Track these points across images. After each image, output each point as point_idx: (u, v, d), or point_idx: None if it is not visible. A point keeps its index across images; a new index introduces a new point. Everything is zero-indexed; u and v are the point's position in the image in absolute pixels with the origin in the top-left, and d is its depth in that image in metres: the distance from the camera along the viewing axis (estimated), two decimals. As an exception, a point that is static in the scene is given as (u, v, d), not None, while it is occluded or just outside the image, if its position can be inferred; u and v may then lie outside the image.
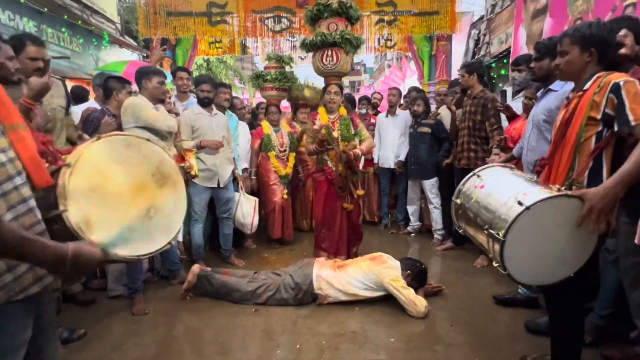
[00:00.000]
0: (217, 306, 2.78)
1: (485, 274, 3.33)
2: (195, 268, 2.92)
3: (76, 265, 0.89)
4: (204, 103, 3.38)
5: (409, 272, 2.75)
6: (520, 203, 1.48)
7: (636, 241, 1.41)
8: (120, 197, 1.22)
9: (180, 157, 3.07)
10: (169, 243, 1.33)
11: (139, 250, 1.20)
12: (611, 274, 2.18)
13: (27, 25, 6.30)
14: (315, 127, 3.40)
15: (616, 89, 1.51)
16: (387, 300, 2.70)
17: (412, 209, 4.47)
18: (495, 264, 1.59)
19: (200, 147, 3.25)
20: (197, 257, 3.45)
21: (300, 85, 4.52)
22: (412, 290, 2.64)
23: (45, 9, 6.57)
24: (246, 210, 3.73)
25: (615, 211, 1.60)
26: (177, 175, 1.44)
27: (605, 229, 1.52)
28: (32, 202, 0.97)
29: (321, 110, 3.47)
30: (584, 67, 1.68)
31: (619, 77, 1.54)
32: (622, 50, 1.80)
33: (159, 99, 2.89)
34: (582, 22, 1.76)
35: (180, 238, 3.52)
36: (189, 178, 3.07)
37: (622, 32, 1.83)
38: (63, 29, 7.14)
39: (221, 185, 3.44)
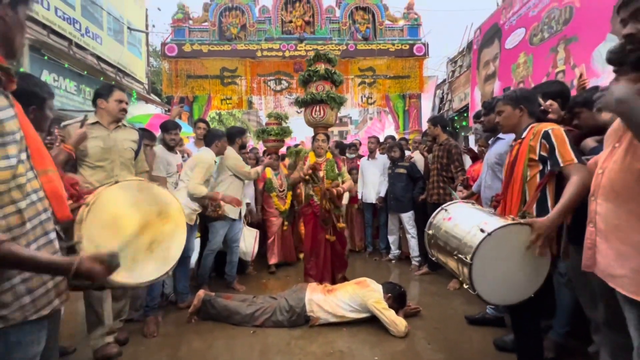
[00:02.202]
0: (218, 328, 2.64)
1: (458, 296, 3.24)
2: (201, 293, 2.80)
3: (79, 276, 0.88)
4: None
5: (390, 294, 2.67)
6: (482, 230, 1.49)
7: (582, 268, 1.40)
8: (127, 232, 1.22)
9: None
10: (166, 273, 1.29)
11: (138, 278, 1.17)
12: (565, 295, 2.15)
13: (69, 85, 6.48)
14: (305, 166, 3.45)
15: (546, 135, 1.60)
16: (372, 322, 2.59)
17: (392, 238, 4.43)
18: (465, 286, 1.56)
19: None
20: (202, 282, 3.32)
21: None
22: (393, 312, 2.55)
23: (85, 72, 6.79)
24: (248, 240, 3.71)
25: (564, 237, 1.62)
26: (181, 215, 1.41)
27: (551, 252, 1.53)
28: (53, 235, 0.96)
29: (311, 154, 3.54)
30: (518, 120, 1.79)
31: (547, 126, 1.64)
32: (550, 116, 1.91)
33: (222, 154, 3.27)
34: (510, 90, 1.92)
35: (192, 266, 3.45)
36: (216, 215, 3.14)
37: (548, 102, 1.95)
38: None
39: (240, 218, 3.51)
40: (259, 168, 3.61)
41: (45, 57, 5.76)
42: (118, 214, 1.22)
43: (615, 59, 1.34)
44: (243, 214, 3.67)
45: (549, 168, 1.61)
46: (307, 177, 3.34)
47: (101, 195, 1.20)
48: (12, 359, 0.86)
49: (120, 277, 1.06)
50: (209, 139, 3.17)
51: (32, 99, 1.31)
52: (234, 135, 3.51)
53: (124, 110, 2.31)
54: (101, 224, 1.14)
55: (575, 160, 1.52)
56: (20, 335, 0.87)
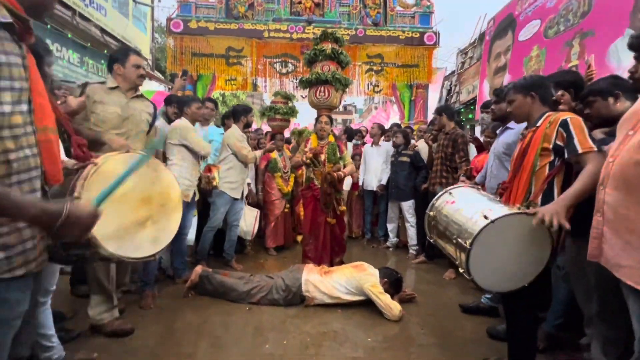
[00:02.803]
0: (214, 304, 2.67)
1: (453, 285, 3.26)
2: (198, 268, 2.82)
3: (67, 223, 0.82)
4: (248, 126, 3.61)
5: (386, 279, 2.68)
6: (485, 217, 1.47)
7: (588, 258, 1.38)
8: (127, 202, 1.19)
9: (208, 169, 3.12)
10: (153, 255, 1.27)
11: (126, 251, 1.14)
12: (562, 288, 2.15)
13: (72, 57, 6.37)
14: (306, 149, 3.42)
15: (564, 124, 1.56)
16: (367, 305, 2.61)
17: (391, 226, 4.43)
18: (461, 270, 1.56)
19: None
20: (201, 259, 3.35)
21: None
22: (388, 296, 2.57)
23: (89, 44, 6.68)
24: (249, 219, 3.72)
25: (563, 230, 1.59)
26: (179, 200, 1.40)
27: (558, 235, 1.49)
28: (39, 194, 0.93)
29: (313, 136, 3.49)
30: (530, 108, 1.74)
31: (565, 115, 1.59)
32: (560, 107, 1.86)
33: (197, 121, 3.06)
34: (521, 77, 1.85)
35: (191, 242, 3.46)
36: (210, 187, 3.15)
37: (560, 92, 1.90)
38: (102, 61, 7.23)
39: (242, 198, 3.51)
40: (258, 152, 3.55)
41: (49, 26, 5.64)
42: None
43: (638, 43, 1.29)
44: (245, 194, 3.66)
45: (566, 156, 1.56)
46: (308, 161, 3.31)
47: (110, 159, 1.19)
48: None
49: (109, 245, 1.04)
50: (179, 108, 3.04)
51: None
52: (239, 114, 3.47)
53: (142, 77, 2.22)
54: (104, 186, 1.11)
55: (595, 148, 1.48)
56: (6, 292, 0.85)
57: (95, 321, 2.12)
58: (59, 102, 1.94)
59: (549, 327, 2.17)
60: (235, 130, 3.40)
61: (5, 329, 0.88)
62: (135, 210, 1.22)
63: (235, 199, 3.42)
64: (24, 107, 0.87)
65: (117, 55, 2.21)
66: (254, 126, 5.23)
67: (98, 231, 0.98)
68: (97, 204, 0.92)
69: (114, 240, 1.06)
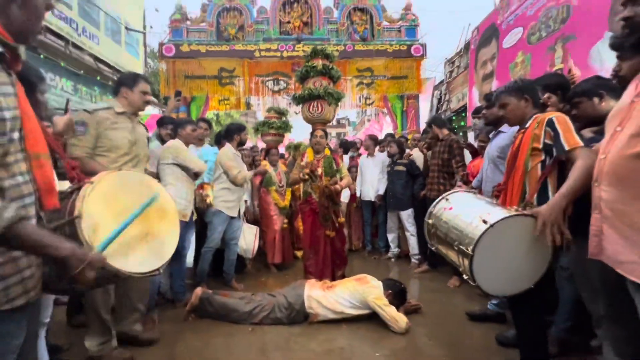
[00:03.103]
0: (216, 326, 2.59)
1: (458, 293, 3.21)
2: (198, 290, 2.76)
3: (63, 265, 0.86)
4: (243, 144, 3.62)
5: (390, 291, 2.64)
6: (485, 221, 1.46)
7: (589, 256, 1.37)
8: (126, 218, 1.19)
9: (200, 187, 3.11)
10: (158, 270, 1.26)
11: (132, 267, 1.13)
12: (567, 290, 2.12)
13: (66, 85, 6.42)
14: (302, 163, 3.43)
15: (551, 122, 1.59)
16: (372, 318, 2.55)
17: (391, 236, 4.40)
18: (465, 277, 1.54)
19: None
20: (200, 280, 3.28)
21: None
22: (393, 308, 2.51)
23: (82, 72, 6.76)
24: (248, 237, 3.67)
25: (566, 223, 1.59)
26: (176, 215, 1.43)
27: (561, 240, 1.49)
28: (34, 221, 0.92)
29: (309, 150, 3.51)
30: (524, 111, 1.77)
31: (552, 114, 1.63)
32: (548, 109, 1.90)
33: (191, 143, 3.06)
34: (509, 81, 1.90)
35: (190, 264, 3.40)
36: (204, 205, 3.13)
37: (546, 94, 1.94)
38: (95, 88, 7.30)
39: (239, 216, 3.47)
40: (248, 174, 3.50)
41: (42, 56, 5.72)
42: (119, 198, 1.22)
43: (619, 43, 1.33)
44: (242, 211, 3.63)
45: (554, 154, 1.58)
46: (306, 177, 3.32)
47: (106, 177, 1.22)
48: None
49: (115, 262, 1.03)
50: (173, 130, 3.06)
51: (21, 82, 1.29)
52: (232, 132, 3.46)
53: (147, 103, 2.22)
54: (102, 204, 1.14)
55: (581, 144, 1.50)
56: (1, 324, 0.83)
57: (92, 352, 2.05)
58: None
59: (558, 331, 2.12)
60: (228, 149, 3.40)
61: None
62: (134, 226, 1.22)
63: (233, 218, 3.38)
64: (15, 134, 0.87)
65: (126, 79, 2.22)
66: (249, 143, 5.28)
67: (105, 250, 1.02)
68: (101, 249, 0.95)
69: (119, 256, 1.07)
